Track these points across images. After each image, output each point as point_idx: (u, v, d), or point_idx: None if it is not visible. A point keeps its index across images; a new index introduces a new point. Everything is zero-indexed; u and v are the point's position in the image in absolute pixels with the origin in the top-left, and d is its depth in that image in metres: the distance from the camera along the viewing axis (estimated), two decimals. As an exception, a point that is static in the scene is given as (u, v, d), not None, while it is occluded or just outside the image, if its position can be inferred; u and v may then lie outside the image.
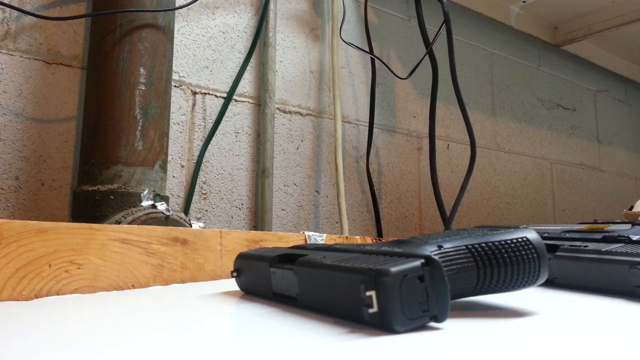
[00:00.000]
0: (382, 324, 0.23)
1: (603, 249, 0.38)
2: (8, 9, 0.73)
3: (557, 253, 0.40)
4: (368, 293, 0.23)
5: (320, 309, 0.28)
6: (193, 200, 0.86)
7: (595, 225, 0.52)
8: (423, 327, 0.24)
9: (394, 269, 0.22)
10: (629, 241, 0.40)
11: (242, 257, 0.37)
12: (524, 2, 1.42)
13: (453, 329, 0.25)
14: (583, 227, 0.52)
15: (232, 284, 0.43)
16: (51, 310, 0.35)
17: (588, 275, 0.37)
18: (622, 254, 0.36)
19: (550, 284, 0.41)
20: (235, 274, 0.37)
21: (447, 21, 0.94)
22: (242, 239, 0.55)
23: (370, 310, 0.23)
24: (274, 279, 0.32)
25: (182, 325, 0.29)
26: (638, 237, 0.40)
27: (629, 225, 0.49)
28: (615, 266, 0.35)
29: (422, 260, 0.23)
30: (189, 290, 0.44)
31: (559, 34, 1.60)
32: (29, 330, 0.28)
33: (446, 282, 0.23)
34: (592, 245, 0.40)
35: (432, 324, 0.25)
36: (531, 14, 1.50)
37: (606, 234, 0.44)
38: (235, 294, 0.40)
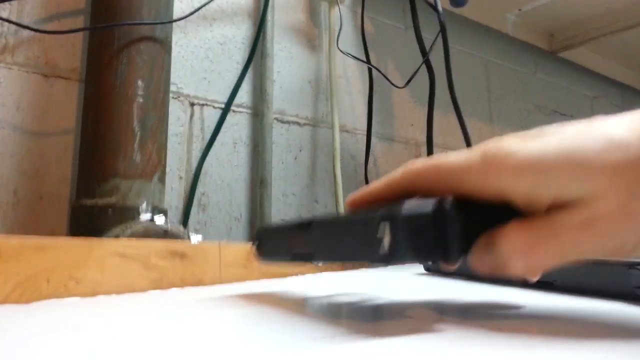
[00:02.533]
0: (394, 259, 0.24)
1: None
2: (6, 23, 0.73)
3: None
4: (381, 230, 0.23)
5: (334, 259, 0.28)
6: (192, 212, 0.86)
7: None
8: (423, 329, 0.25)
9: (407, 206, 0.23)
10: None
11: (262, 229, 0.39)
12: (519, 10, 1.43)
13: (453, 330, 0.26)
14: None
15: (231, 290, 0.43)
16: (51, 314, 0.35)
17: (588, 276, 0.38)
18: None
19: (550, 286, 0.41)
20: (256, 243, 0.38)
21: (443, 31, 0.95)
22: (241, 251, 0.55)
23: (384, 245, 0.23)
24: (292, 241, 0.33)
25: (181, 327, 0.29)
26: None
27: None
28: (615, 267, 0.36)
29: (435, 202, 0.24)
30: (188, 296, 0.44)
31: (555, 41, 1.61)
32: (29, 331, 0.28)
33: (456, 222, 0.24)
34: None
35: (433, 327, 0.25)
36: (527, 21, 1.51)
37: None
38: (235, 298, 0.40)
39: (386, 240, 0.23)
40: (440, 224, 0.23)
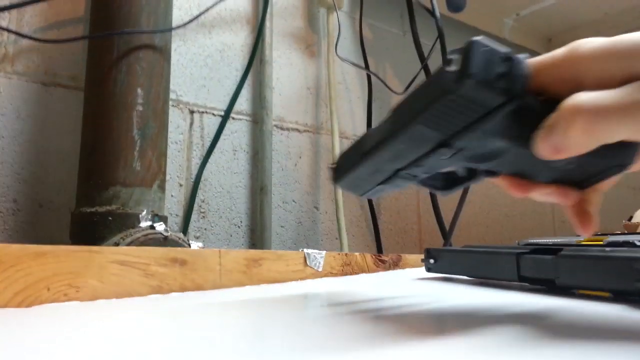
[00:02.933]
0: (461, 83, 0.24)
1: (607, 250, 0.38)
2: (6, 33, 0.73)
3: (561, 253, 0.41)
4: (454, 54, 0.24)
5: (403, 123, 0.28)
6: (192, 219, 0.86)
7: (595, 238, 0.52)
8: (424, 332, 0.25)
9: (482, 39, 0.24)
10: (632, 245, 0.41)
11: (341, 156, 0.39)
12: (517, 14, 1.44)
13: (453, 333, 0.26)
14: (582, 239, 0.52)
15: (232, 295, 0.43)
16: (52, 317, 0.35)
17: (589, 273, 0.38)
18: (625, 252, 0.37)
19: (551, 284, 0.41)
20: (332, 166, 0.39)
21: (441, 36, 0.95)
22: (241, 258, 0.55)
23: (453, 63, 0.24)
24: (366, 141, 0.33)
25: (182, 330, 0.29)
26: (642, 243, 0.41)
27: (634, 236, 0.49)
28: (617, 263, 0.36)
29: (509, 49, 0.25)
30: (189, 300, 0.44)
31: (552, 45, 1.61)
32: (29, 335, 0.28)
33: (525, 66, 0.25)
34: (595, 248, 0.41)
35: (434, 330, 0.25)
36: (525, 26, 1.51)
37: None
38: (234, 304, 0.40)
39: (456, 58, 0.24)
40: (511, 61, 0.24)
